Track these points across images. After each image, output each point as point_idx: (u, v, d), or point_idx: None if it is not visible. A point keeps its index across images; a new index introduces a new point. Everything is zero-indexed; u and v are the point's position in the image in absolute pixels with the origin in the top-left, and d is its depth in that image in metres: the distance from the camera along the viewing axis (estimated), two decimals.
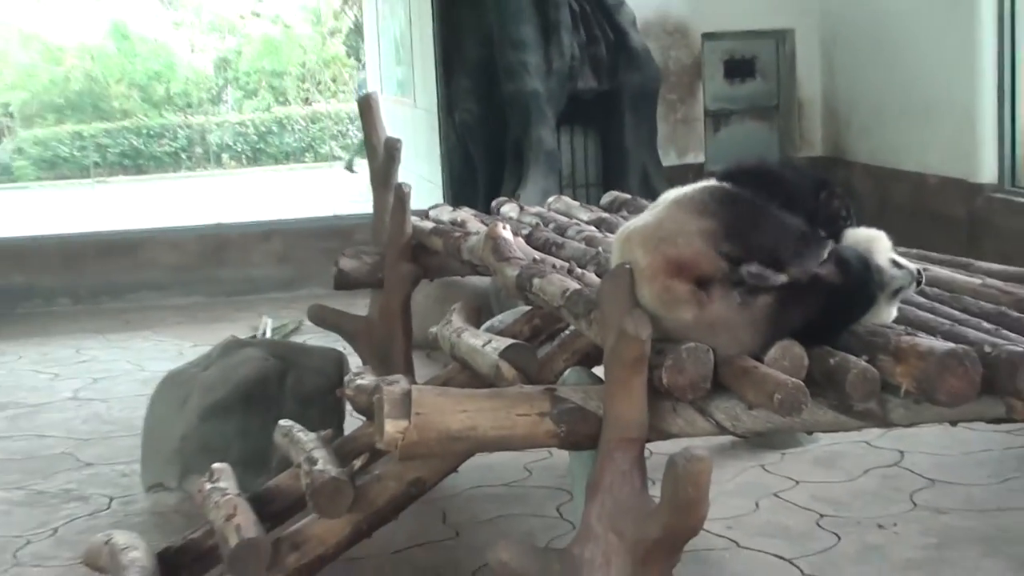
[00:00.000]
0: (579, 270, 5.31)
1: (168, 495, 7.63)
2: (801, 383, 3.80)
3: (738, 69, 14.99)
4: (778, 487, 7.41)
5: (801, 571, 6.25)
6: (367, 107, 8.44)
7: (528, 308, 6.65)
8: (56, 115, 28.14)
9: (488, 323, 7.61)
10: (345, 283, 8.02)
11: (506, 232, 5.87)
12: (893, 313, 4.32)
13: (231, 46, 29.33)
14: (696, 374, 3.91)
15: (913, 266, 4.45)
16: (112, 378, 10.89)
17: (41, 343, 12.44)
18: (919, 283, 4.45)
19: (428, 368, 8.65)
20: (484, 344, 5.30)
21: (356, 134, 22.38)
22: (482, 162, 13.66)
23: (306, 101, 28.90)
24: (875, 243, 4.42)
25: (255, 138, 28.20)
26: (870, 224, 4.56)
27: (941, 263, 5.33)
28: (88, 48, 27.19)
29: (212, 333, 11.06)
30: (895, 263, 4.38)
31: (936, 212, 12.20)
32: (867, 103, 14.00)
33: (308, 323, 8.99)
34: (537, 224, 6.81)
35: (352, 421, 7.16)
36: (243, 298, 13.93)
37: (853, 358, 3.92)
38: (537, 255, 5.69)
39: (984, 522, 6.75)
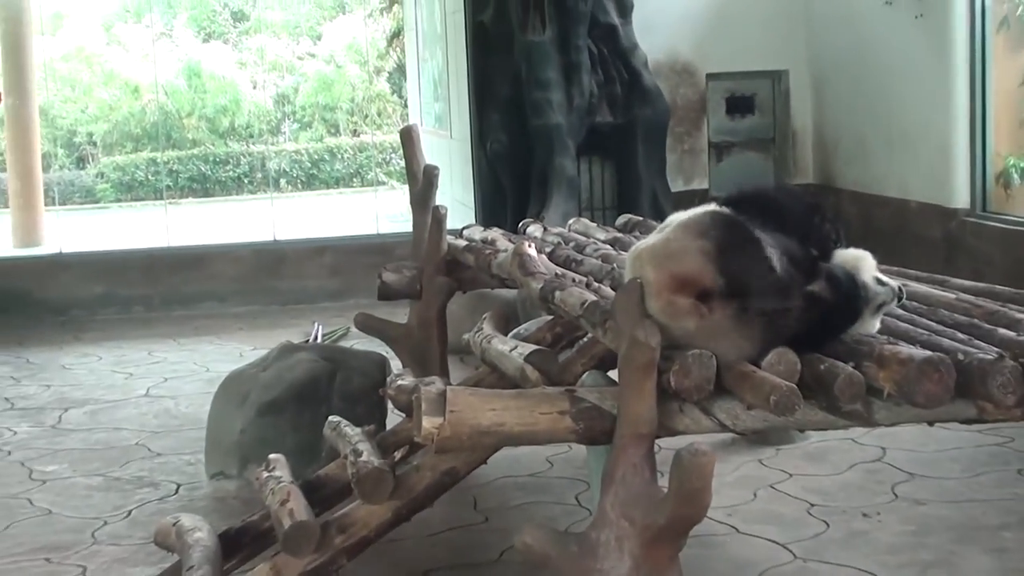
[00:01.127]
0: (596, 284, 5.30)
1: (229, 482, 7.64)
2: (794, 386, 3.79)
3: (738, 105, 14.98)
4: (773, 479, 7.39)
5: (793, 555, 6.23)
6: (408, 138, 8.44)
7: (550, 317, 6.64)
8: (134, 144, 28.21)
9: (515, 331, 7.58)
10: (387, 294, 8.03)
11: (531, 250, 5.87)
12: (877, 325, 4.31)
13: (289, 83, 29.37)
14: (700, 377, 3.90)
15: (895, 283, 4.44)
16: (180, 378, 10.90)
17: (118, 346, 12.47)
18: (900, 298, 4.44)
19: (461, 370, 8.65)
20: (511, 349, 5.29)
21: (398, 162, 22.37)
22: (510, 187, 13.67)
23: (354, 132, 28.92)
24: (861, 262, 4.41)
25: (309, 165, 28.23)
26: (856, 245, 4.54)
27: (919, 280, 5.31)
28: (163, 85, 27.26)
29: (269, 338, 11.07)
30: (879, 280, 4.37)
31: (915, 234, 12.16)
32: (853, 136, 13.97)
33: (355, 330, 8.99)
34: (559, 243, 6.81)
35: (393, 417, 7.16)
36: (297, 307, 13.96)
37: (841, 364, 3.91)
38: (559, 270, 5.69)
39: (957, 511, 6.74)
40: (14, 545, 6.87)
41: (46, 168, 21.61)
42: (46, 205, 19.72)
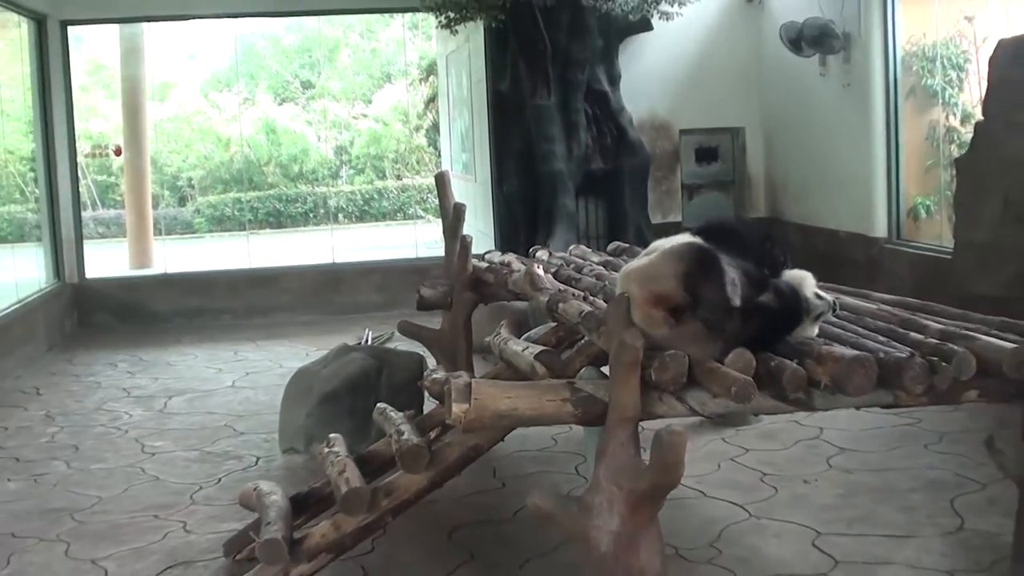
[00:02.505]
0: (592, 297, 5.29)
1: (298, 456, 7.64)
2: (750, 379, 3.78)
3: (705, 155, 14.93)
4: (733, 454, 7.38)
5: (749, 513, 6.22)
6: (441, 181, 8.44)
7: (555, 324, 6.62)
8: (223, 186, 28.22)
9: (526, 335, 7.57)
10: (425, 306, 8.03)
11: (539, 270, 5.87)
12: (816, 330, 4.30)
13: (346, 137, 29.38)
14: (676, 372, 3.89)
15: (830, 297, 4.43)
16: (259, 372, 10.91)
17: (210, 347, 12.48)
18: (835, 310, 4.44)
19: (484, 366, 8.63)
20: (523, 349, 5.29)
21: (433, 201, 22.40)
22: (522, 221, 13.65)
23: (398, 177, 28.90)
24: (804, 280, 4.41)
25: (362, 202, 28.20)
26: (800, 266, 4.54)
27: (848, 294, 5.30)
28: (247, 139, 27.31)
29: (329, 341, 11.06)
30: (818, 295, 4.37)
31: (845, 257, 12.13)
32: (796, 179, 13.95)
33: (398, 334, 8.98)
34: (561, 264, 6.79)
35: (429, 404, 7.15)
36: (351, 316, 13.94)
37: (787, 361, 3.91)
38: (561, 286, 5.68)
39: (877, 478, 6.75)
40: (131, 504, 6.92)
41: (155, 206, 21.68)
42: (155, 235, 19.81)
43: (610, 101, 13.62)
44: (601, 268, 6.51)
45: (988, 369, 3.97)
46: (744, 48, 14.52)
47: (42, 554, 6.16)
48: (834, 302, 4.44)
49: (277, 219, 27.54)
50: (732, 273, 4.06)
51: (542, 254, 7.58)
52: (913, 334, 4.28)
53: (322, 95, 29.45)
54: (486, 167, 14.81)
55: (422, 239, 17.88)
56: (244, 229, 23.64)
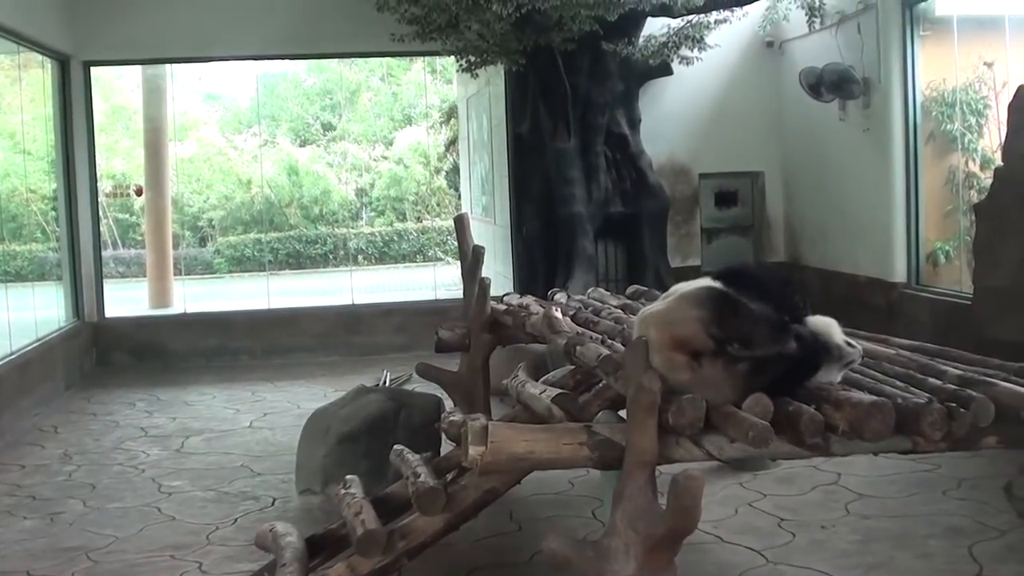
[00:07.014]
0: (610, 341, 5.29)
1: (314, 497, 7.62)
2: (768, 424, 3.78)
3: (724, 199, 14.95)
4: (751, 498, 7.34)
5: (766, 559, 6.18)
6: (460, 224, 8.47)
7: (573, 367, 6.61)
8: (244, 227, 28.31)
9: (544, 378, 7.55)
10: (443, 347, 8.04)
11: (558, 313, 5.88)
12: (840, 377, 4.30)
13: (367, 180, 29.51)
14: (693, 417, 3.89)
15: (860, 346, 4.44)
16: (277, 413, 10.90)
17: (228, 387, 12.49)
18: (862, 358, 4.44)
19: (501, 409, 8.61)
20: (541, 392, 5.28)
21: (452, 243, 22.45)
22: (541, 263, 13.67)
23: (418, 219, 29.00)
24: (831, 328, 4.42)
25: (381, 244, 28.29)
26: (818, 311, 4.53)
27: (867, 339, 5.29)
28: (268, 180, 27.45)
29: (347, 382, 11.06)
30: (849, 343, 4.37)
31: (863, 302, 12.12)
32: (815, 224, 13.96)
33: (416, 376, 8.98)
34: (580, 307, 6.80)
35: (446, 446, 7.14)
36: (370, 357, 13.94)
37: (805, 406, 3.90)
38: (579, 329, 5.69)
39: (895, 524, 6.70)
40: (147, 544, 6.91)
41: (176, 246, 21.77)
42: (175, 275, 19.85)
43: (630, 145, 13.67)
44: (619, 311, 6.52)
45: (1007, 415, 3.96)
46: (764, 93, 14.57)
47: None
48: (863, 351, 4.45)
49: (297, 260, 27.62)
50: (753, 319, 4.07)
51: (560, 297, 7.59)
52: (931, 380, 4.27)
53: (343, 137, 29.60)
54: (505, 210, 14.85)
55: (441, 281, 17.91)
56: (264, 270, 23.69)
